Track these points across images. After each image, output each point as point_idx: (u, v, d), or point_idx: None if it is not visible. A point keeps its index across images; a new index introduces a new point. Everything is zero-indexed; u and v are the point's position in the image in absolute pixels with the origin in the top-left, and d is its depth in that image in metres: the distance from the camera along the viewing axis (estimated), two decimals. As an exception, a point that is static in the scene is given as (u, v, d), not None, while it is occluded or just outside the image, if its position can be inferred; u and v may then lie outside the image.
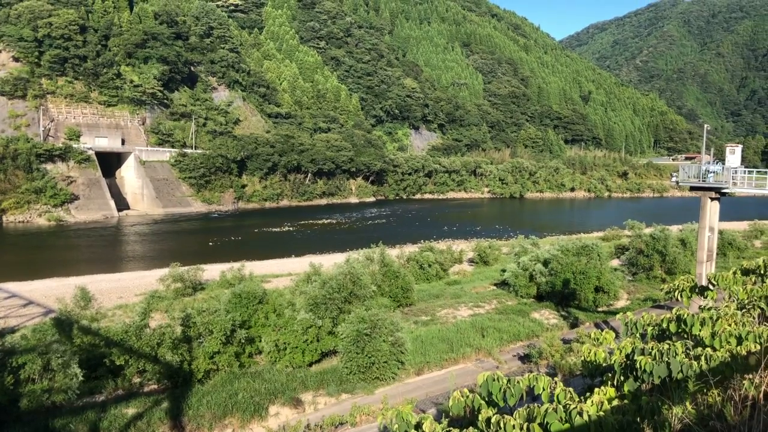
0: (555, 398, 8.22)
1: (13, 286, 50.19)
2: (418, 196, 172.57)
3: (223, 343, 27.60)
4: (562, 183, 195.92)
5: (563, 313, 41.00)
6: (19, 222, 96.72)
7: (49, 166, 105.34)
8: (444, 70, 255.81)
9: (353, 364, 27.56)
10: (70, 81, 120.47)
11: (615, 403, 8.53)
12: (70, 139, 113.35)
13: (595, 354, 10.42)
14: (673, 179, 35.17)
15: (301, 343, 28.99)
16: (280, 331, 29.43)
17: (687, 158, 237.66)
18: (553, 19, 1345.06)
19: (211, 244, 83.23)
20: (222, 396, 24.86)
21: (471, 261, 64.86)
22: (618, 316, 12.76)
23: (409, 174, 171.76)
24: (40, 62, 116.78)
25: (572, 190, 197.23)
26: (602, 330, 11.93)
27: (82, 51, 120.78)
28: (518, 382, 8.58)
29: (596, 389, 8.71)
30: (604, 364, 10.25)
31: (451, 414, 8.75)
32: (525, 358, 31.52)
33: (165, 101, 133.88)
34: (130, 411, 23.36)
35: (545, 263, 44.61)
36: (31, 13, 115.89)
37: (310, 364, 29.46)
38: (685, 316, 10.35)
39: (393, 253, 51.79)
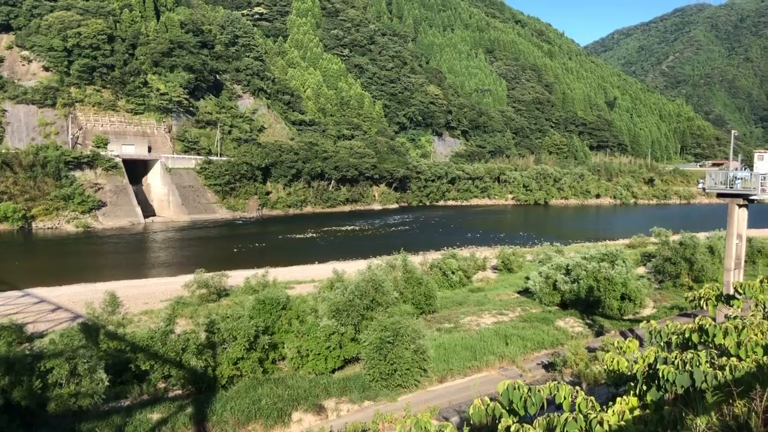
0: (576, 407, 8.17)
1: (42, 291, 51.02)
2: (441, 202, 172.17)
3: (246, 349, 27.77)
4: (587, 190, 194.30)
5: (588, 321, 40.60)
6: (48, 228, 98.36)
7: (77, 174, 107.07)
8: (467, 76, 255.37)
9: (376, 371, 27.55)
10: (98, 89, 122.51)
11: (637, 412, 8.44)
12: (98, 147, 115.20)
13: (618, 363, 10.33)
14: (700, 186, 34.65)
15: (324, 349, 29.07)
16: (303, 338, 29.56)
17: (714, 164, 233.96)
18: (578, 25, 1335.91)
19: (235, 250, 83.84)
20: (245, 402, 25.02)
21: (495, 268, 64.55)
22: (642, 324, 12.63)
23: (432, 181, 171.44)
24: (69, 71, 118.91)
25: (597, 196, 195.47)
26: (627, 338, 11.82)
27: (109, 60, 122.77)
28: (539, 390, 8.54)
29: (618, 398, 8.64)
30: (627, 373, 10.16)
31: (472, 422, 8.74)
32: (549, 367, 31.26)
33: (191, 109, 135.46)
34: (155, 416, 23.60)
35: (568, 271, 44.25)
36: (61, 24, 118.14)
37: (333, 371, 29.53)
38: (708, 325, 10.21)
39: (416, 260, 51.75)
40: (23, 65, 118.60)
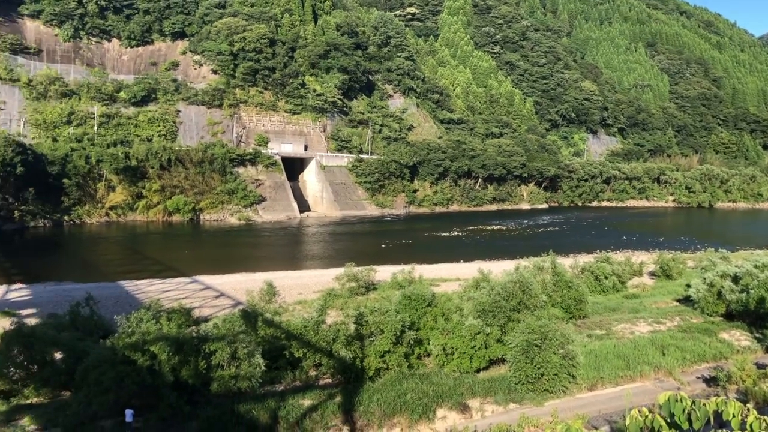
0: (748, 427, 7.54)
1: (207, 278, 55.01)
2: (594, 203, 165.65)
3: (393, 343, 28.22)
4: (759, 192, 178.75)
5: (758, 335, 37.29)
6: (214, 220, 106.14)
7: (240, 170, 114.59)
8: (626, 71, 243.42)
9: (522, 374, 27.02)
10: (260, 91, 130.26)
11: (821, 439, 7.64)
12: (259, 145, 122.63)
13: (796, 382, 9.40)
14: None
15: (469, 348, 28.92)
16: (448, 336, 29.59)
17: None
18: (753, 13, 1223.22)
19: (383, 246, 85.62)
20: (391, 395, 25.37)
21: (652, 274, 61.08)
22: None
23: (585, 180, 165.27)
24: (235, 74, 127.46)
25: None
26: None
27: (271, 63, 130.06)
28: (704, 405, 7.97)
29: (797, 422, 7.86)
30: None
31: (627, 433, 8.34)
32: (710, 381, 29.10)
33: (344, 109, 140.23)
34: (306, 402, 24.59)
35: (736, 279, 40.90)
36: (228, 29, 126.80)
37: (478, 371, 29.30)
38: None
39: (566, 262, 50.19)
40: (195, 69, 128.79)
